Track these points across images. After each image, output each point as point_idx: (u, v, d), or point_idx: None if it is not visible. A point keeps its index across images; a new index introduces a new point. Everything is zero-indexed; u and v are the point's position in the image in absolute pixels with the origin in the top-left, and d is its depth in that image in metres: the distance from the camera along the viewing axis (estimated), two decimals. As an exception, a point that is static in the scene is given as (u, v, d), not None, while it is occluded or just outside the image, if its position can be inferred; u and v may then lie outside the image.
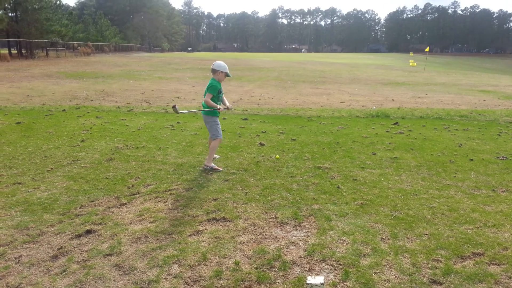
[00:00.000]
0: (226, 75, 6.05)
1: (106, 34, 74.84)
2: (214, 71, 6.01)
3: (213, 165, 6.01)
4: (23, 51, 46.30)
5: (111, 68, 32.30)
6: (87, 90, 17.39)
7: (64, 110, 11.59)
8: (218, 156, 6.70)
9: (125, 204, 4.65)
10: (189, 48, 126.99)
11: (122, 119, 10.15)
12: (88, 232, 3.91)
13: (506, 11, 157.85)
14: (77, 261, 3.40)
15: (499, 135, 9.17)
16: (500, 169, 6.30)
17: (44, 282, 3.10)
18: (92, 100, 14.38)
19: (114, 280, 3.13)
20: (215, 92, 5.87)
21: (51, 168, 5.90)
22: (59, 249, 3.58)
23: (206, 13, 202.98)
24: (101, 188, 5.14)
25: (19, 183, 5.24)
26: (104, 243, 3.71)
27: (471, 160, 6.79)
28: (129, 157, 6.62)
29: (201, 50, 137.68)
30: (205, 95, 5.90)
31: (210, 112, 6.03)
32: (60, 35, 50.26)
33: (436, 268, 3.31)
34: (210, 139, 6.36)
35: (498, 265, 3.40)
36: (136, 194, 4.95)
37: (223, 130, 8.70)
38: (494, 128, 10.10)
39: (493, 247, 3.69)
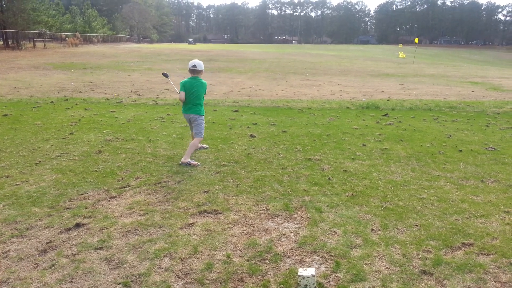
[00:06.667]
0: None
1: (94, 25, 73.84)
2: (200, 72, 5.92)
3: (190, 160, 5.77)
4: (9, 42, 45.56)
5: (100, 59, 31.88)
6: (75, 82, 17.16)
7: (52, 102, 11.43)
8: (206, 146, 6.68)
9: (115, 197, 4.61)
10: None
11: (111, 111, 10.04)
12: (78, 225, 3.87)
13: (494, 3, 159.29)
14: (66, 255, 3.36)
15: (487, 126, 9.26)
16: (489, 159, 6.36)
17: (32, 276, 3.06)
18: (80, 91, 14.19)
19: (104, 274, 3.10)
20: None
21: (39, 161, 5.81)
22: (48, 243, 3.54)
23: (195, 3, 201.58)
24: (90, 181, 5.09)
25: (7, 176, 5.16)
26: (93, 236, 3.67)
27: (460, 151, 6.85)
28: (118, 149, 6.55)
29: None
30: (202, 98, 5.97)
31: (204, 112, 6.07)
32: (47, 26, 49.55)
33: (426, 259, 3.34)
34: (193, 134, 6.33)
35: (487, 255, 3.43)
36: (126, 187, 4.91)
37: (213, 122, 8.74)
38: (482, 119, 10.20)
39: (482, 237, 3.73)
